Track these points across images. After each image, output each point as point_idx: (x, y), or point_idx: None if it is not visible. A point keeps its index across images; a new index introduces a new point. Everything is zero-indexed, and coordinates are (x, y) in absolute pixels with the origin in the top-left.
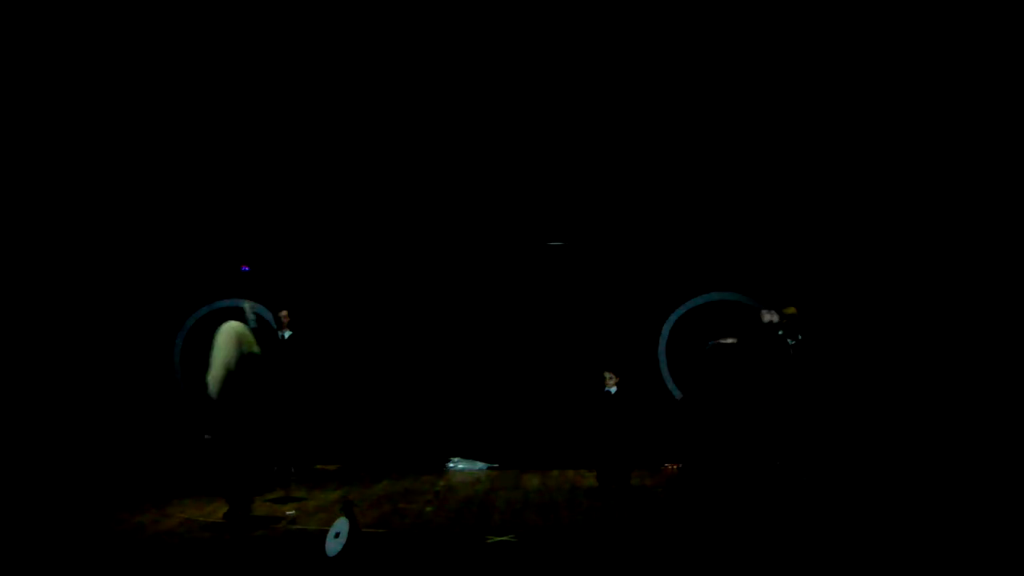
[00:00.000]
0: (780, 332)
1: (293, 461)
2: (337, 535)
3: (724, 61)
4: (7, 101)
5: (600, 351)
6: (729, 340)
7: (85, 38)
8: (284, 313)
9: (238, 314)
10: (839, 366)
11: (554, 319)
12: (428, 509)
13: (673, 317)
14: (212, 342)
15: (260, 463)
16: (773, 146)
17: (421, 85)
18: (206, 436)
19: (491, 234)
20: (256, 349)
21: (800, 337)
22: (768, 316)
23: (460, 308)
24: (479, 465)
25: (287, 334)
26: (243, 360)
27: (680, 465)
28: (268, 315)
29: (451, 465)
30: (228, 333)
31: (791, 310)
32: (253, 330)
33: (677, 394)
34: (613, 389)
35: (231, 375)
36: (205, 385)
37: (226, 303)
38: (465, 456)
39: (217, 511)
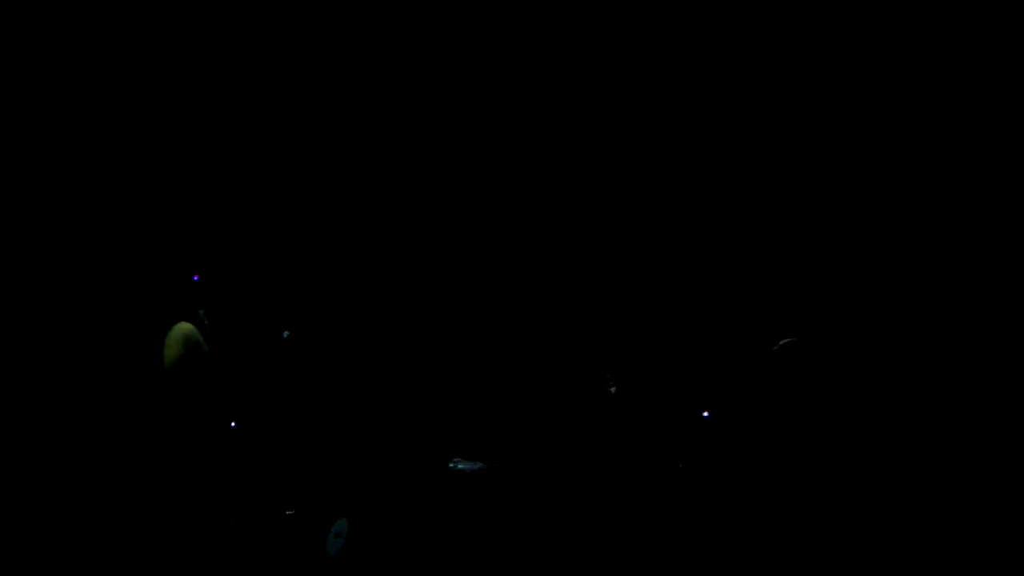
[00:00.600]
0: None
1: (291, 461)
2: (337, 535)
3: (724, 61)
4: None
5: (600, 351)
6: (787, 340)
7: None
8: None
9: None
10: (839, 366)
11: (554, 319)
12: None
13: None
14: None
15: (259, 462)
16: (773, 146)
17: (421, 85)
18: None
19: (491, 234)
20: (205, 347)
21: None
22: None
23: (460, 308)
24: (480, 466)
25: (286, 334)
26: (189, 358)
27: (681, 465)
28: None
29: (451, 466)
30: (176, 333)
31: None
32: (204, 329)
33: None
34: (613, 389)
35: (183, 373)
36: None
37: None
38: (466, 457)
39: (215, 510)
